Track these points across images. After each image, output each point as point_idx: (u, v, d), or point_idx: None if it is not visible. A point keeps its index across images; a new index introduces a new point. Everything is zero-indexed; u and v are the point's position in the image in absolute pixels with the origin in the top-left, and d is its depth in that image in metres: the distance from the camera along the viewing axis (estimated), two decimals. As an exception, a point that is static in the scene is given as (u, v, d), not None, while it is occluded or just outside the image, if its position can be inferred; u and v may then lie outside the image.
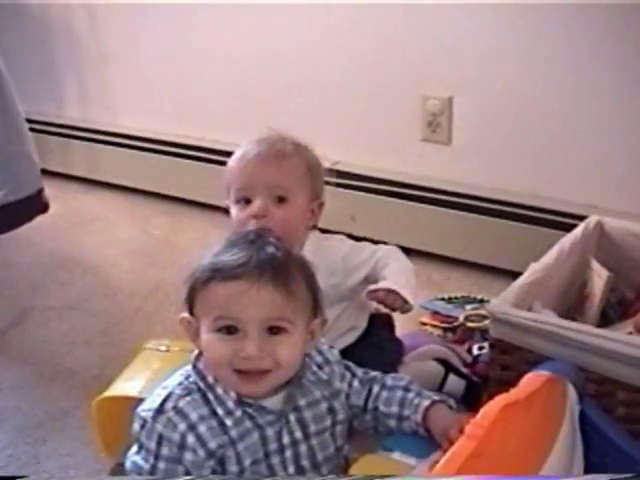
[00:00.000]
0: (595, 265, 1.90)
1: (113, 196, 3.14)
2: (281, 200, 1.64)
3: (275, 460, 1.32)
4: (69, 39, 3.19)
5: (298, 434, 1.34)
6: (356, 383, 1.43)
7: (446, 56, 2.40)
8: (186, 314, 1.34)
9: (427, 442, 1.33)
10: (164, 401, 1.31)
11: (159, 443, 1.28)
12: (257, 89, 2.78)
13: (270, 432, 1.31)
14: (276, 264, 1.29)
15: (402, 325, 1.89)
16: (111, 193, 3.15)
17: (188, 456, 1.27)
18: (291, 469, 1.33)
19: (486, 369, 1.78)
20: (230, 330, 1.28)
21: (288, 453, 1.33)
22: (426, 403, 1.37)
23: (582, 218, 2.01)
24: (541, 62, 2.26)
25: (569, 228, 1.99)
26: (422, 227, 2.51)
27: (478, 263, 2.42)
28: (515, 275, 1.81)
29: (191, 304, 1.33)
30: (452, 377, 1.81)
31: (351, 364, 1.45)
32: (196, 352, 1.36)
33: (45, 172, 3.01)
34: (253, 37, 2.73)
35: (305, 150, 1.71)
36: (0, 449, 1.78)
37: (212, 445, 1.28)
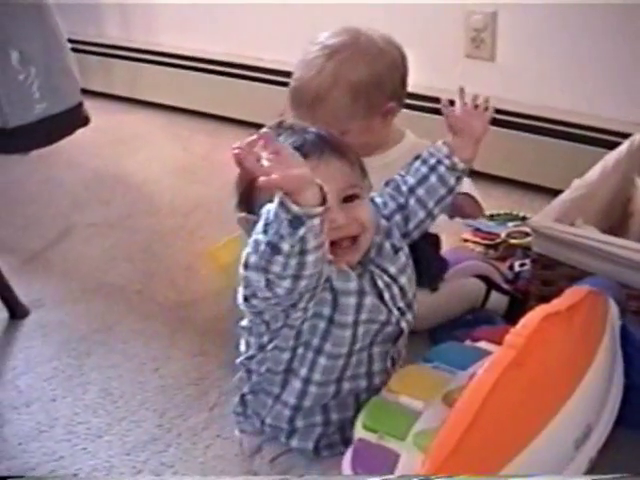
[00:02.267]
0: (639, 183, 1.87)
1: (154, 115, 3.13)
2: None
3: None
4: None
5: (385, 279, 1.37)
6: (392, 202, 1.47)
7: (490, -32, 2.35)
8: (243, 214, 1.33)
9: (468, 355, 1.33)
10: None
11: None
12: (298, 6, 2.74)
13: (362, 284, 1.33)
14: (327, 140, 1.33)
15: (444, 242, 1.88)
16: (152, 112, 3.15)
17: None
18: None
19: (527, 286, 1.77)
20: None
21: (387, 296, 1.35)
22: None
23: (626, 136, 1.98)
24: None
25: (613, 146, 1.96)
26: (464, 145, 2.47)
27: (520, 181, 2.39)
28: (557, 193, 1.79)
29: (249, 202, 1.32)
30: (494, 294, 1.80)
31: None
32: None
33: (86, 92, 3.00)
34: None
35: (352, 64, 1.67)
36: (45, 361, 1.80)
37: None
